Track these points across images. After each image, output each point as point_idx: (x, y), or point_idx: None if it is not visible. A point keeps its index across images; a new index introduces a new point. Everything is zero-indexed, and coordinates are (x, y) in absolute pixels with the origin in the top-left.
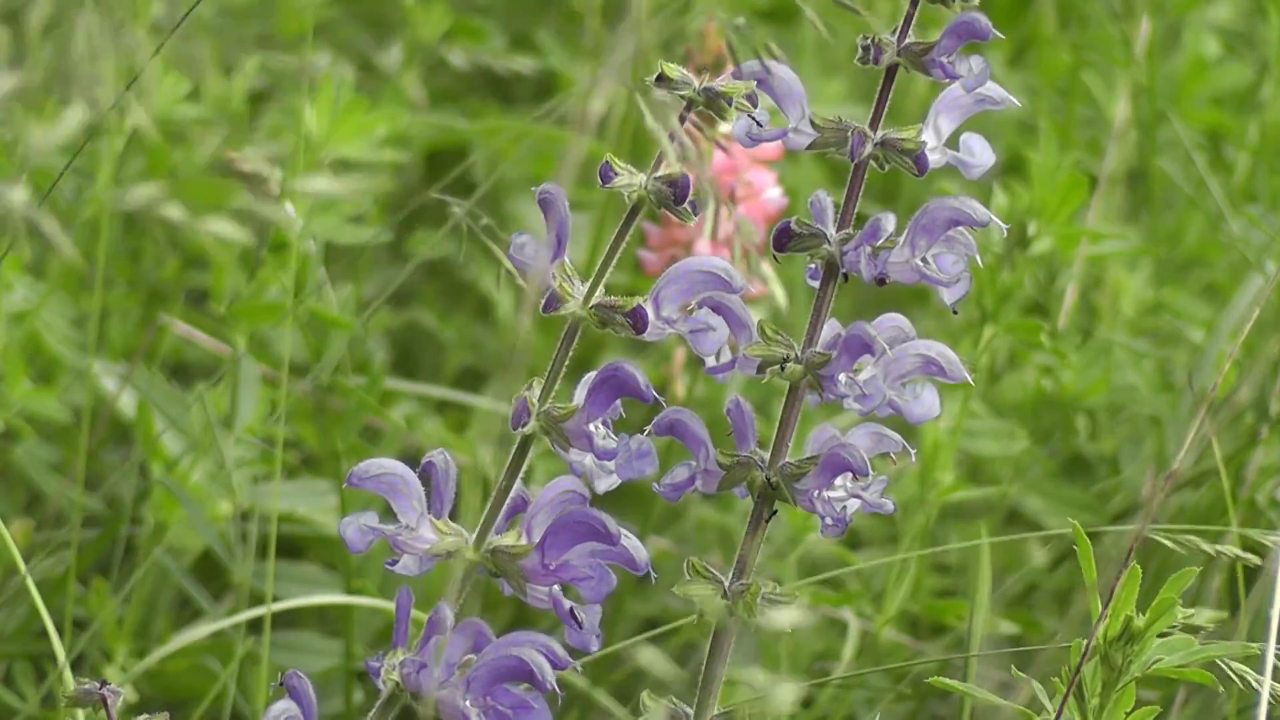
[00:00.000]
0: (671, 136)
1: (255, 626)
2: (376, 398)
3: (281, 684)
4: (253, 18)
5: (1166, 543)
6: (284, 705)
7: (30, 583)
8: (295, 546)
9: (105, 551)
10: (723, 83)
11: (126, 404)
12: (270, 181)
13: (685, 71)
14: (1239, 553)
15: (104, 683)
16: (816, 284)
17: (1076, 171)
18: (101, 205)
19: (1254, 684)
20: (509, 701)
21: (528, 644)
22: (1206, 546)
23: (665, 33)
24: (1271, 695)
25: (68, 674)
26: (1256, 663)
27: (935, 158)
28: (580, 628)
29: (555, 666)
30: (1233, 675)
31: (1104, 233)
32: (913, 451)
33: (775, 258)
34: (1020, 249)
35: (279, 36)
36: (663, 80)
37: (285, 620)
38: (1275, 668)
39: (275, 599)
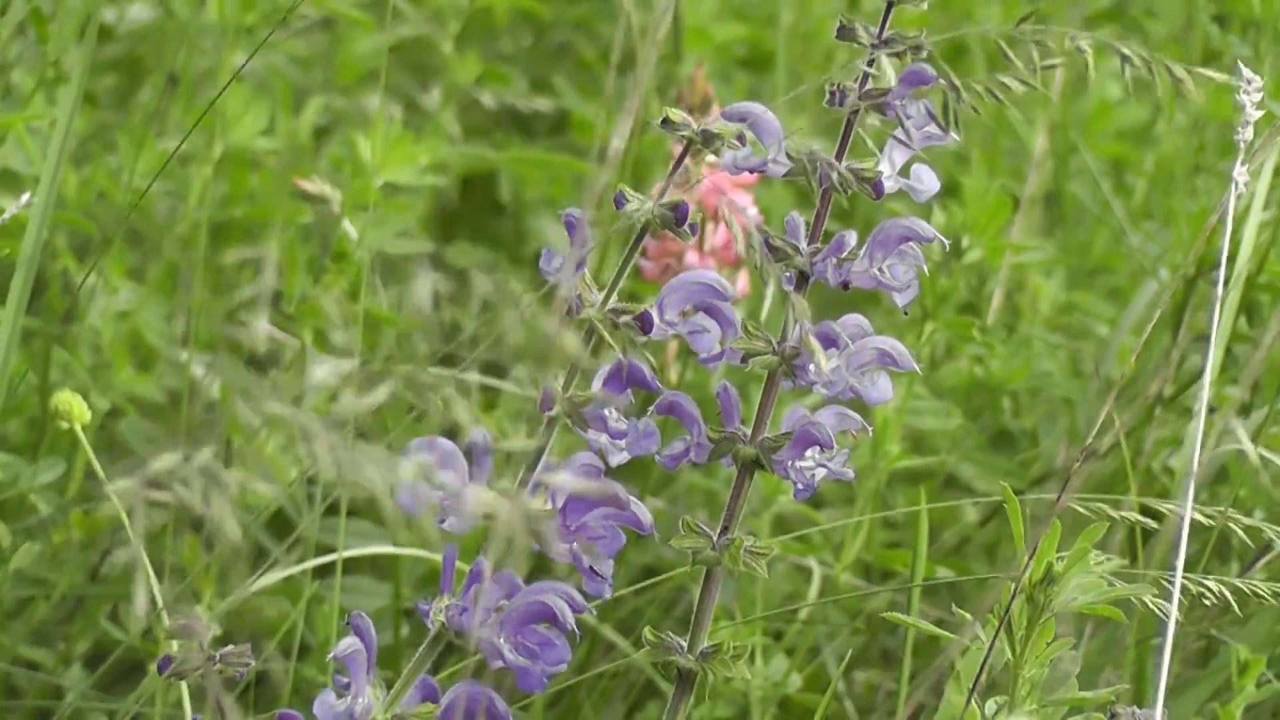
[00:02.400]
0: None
1: (319, 572)
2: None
3: (348, 623)
4: (316, 65)
5: (1081, 510)
6: (350, 640)
7: (134, 535)
8: (352, 506)
9: (194, 511)
10: (716, 125)
11: (212, 387)
12: (332, 202)
13: (685, 116)
14: (1138, 518)
15: (196, 618)
16: (791, 289)
17: (1002, 194)
18: (193, 221)
19: (1161, 614)
20: (535, 639)
21: (551, 591)
22: (1112, 513)
23: (661, 77)
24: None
25: (165, 611)
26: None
27: (890, 185)
28: (595, 578)
29: (574, 610)
30: (1145, 604)
31: (1025, 245)
32: (869, 428)
33: (758, 266)
34: (955, 259)
35: (338, 81)
36: (667, 123)
37: (344, 567)
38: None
39: (336, 550)
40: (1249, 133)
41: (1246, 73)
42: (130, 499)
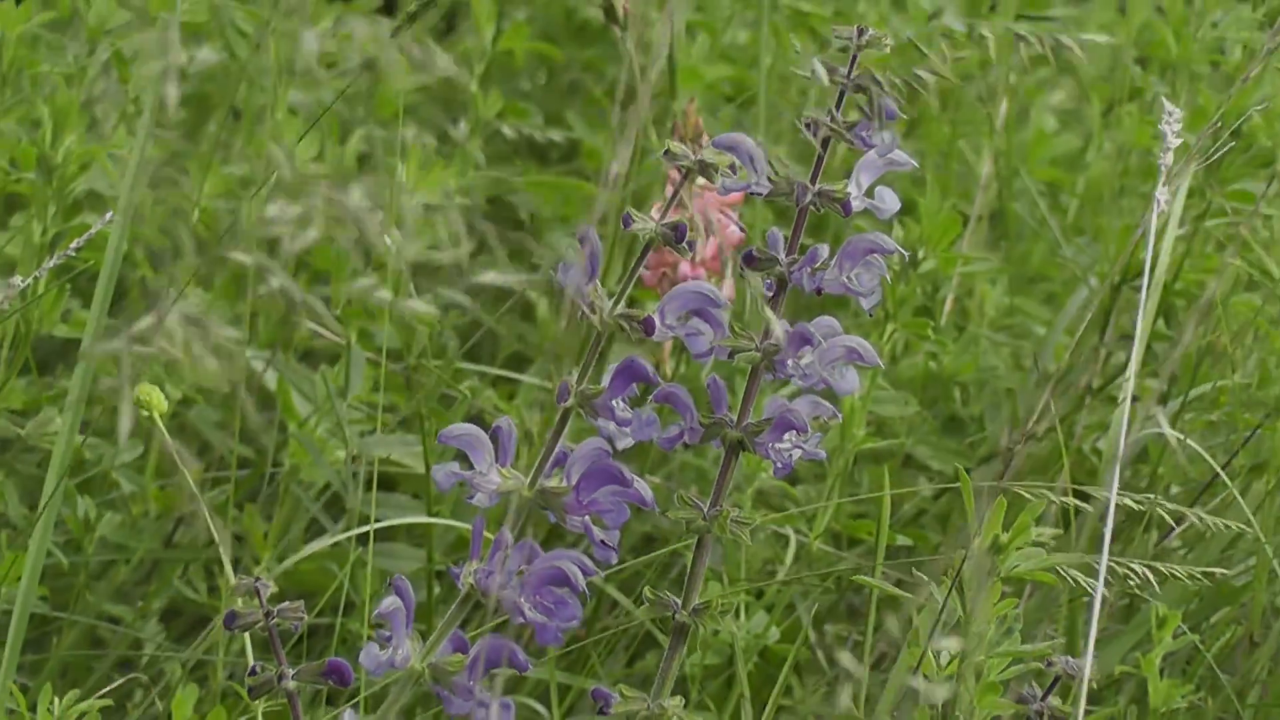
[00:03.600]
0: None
1: (362, 540)
2: (450, 375)
3: (390, 585)
4: (359, 102)
5: (1024, 495)
6: (391, 600)
7: (203, 507)
8: (391, 482)
9: (255, 486)
10: (710, 154)
11: (270, 380)
12: (374, 219)
13: (684, 147)
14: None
15: (257, 579)
16: (770, 294)
17: (953, 213)
18: (251, 236)
19: (1086, 585)
20: (551, 600)
21: (566, 558)
22: (1052, 496)
23: (658, 111)
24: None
25: (229, 573)
26: (1086, 568)
27: (857, 204)
28: (603, 547)
29: (585, 574)
30: (1067, 577)
31: (973, 256)
32: (838, 415)
33: (743, 273)
34: (913, 268)
35: (378, 115)
36: (669, 154)
37: (384, 535)
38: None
39: (376, 520)
40: (1169, 158)
41: (1169, 106)
42: (119, 352)
